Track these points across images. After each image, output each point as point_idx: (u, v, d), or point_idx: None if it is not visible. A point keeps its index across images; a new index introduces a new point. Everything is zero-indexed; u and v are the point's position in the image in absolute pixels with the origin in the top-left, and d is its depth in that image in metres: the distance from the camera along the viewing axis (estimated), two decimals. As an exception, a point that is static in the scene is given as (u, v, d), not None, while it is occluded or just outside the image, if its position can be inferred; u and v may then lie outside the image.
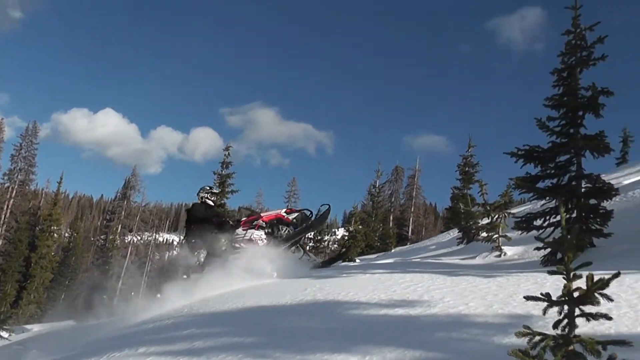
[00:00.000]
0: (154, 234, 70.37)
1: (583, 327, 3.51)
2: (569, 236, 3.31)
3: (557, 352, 3.12)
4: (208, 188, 13.84)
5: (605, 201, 10.21)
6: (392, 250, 31.85)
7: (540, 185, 10.69)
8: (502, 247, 12.56)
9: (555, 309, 3.31)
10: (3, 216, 53.08)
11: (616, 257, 8.77)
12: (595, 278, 3.18)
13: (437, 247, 22.40)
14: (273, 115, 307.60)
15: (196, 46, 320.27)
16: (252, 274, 11.20)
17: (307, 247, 16.91)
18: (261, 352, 5.15)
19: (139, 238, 62.18)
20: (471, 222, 16.85)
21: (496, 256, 12.39)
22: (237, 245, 12.61)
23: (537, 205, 13.41)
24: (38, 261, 49.78)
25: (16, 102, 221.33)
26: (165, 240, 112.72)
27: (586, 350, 3.09)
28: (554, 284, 6.00)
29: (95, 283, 49.13)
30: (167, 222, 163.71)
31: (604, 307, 3.28)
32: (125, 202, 60.91)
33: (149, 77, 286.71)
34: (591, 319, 3.23)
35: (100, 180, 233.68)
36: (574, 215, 10.17)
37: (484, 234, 13.34)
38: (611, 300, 3.26)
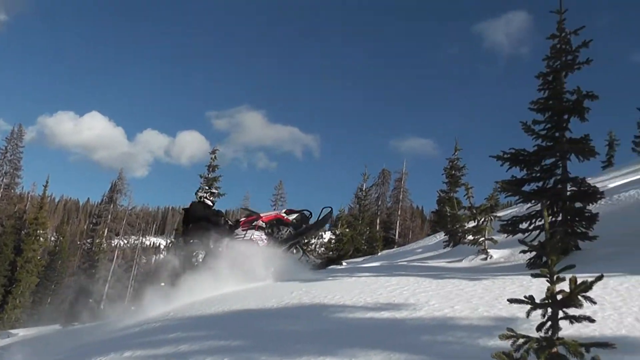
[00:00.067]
0: (141, 238, 69.95)
1: (567, 329, 3.53)
2: (552, 239, 3.33)
3: (540, 354, 3.13)
4: (207, 188, 13.79)
5: (590, 204, 10.25)
6: (379, 254, 31.87)
7: (526, 188, 10.72)
8: (488, 250, 12.58)
9: (540, 311, 3.32)
10: (-12, 220, 52.78)
11: (601, 260, 8.81)
12: (579, 281, 3.19)
13: (424, 250, 22.42)
14: (260, 119, 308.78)
15: (182, 49, 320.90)
16: (249, 276, 11.12)
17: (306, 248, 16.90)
18: (247, 356, 5.14)
19: (126, 242, 61.77)
20: (457, 225, 16.89)
21: (482, 259, 12.40)
22: (237, 245, 12.48)
23: (523, 208, 13.45)
24: (24, 265, 49.56)
25: (1, 104, 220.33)
26: (152, 243, 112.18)
27: (569, 352, 3.10)
28: (540, 287, 6.01)
29: (81, 287, 48.87)
30: (154, 225, 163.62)
31: (588, 309, 3.30)
32: (112, 206, 60.61)
33: (135, 80, 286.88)
34: (575, 321, 3.25)
35: (87, 183, 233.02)
36: (560, 218, 10.21)
37: (470, 237, 13.36)
38: (594, 302, 3.28)
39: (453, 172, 27.15)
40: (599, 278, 3.24)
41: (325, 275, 10.80)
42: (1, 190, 54.61)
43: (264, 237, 12.86)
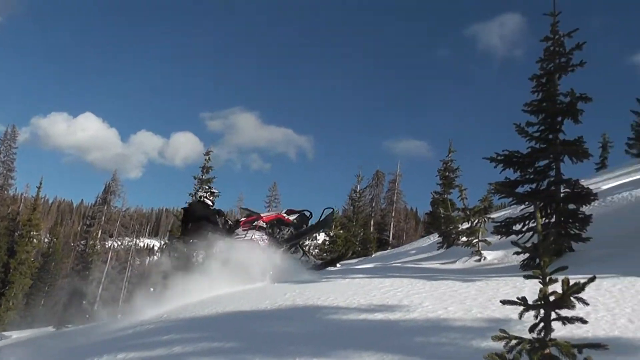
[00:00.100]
0: (135, 239, 69.80)
1: (560, 330, 3.54)
2: (545, 241, 3.33)
3: (533, 355, 3.14)
4: (207, 187, 13.74)
5: (584, 206, 10.28)
6: (373, 255, 31.87)
7: (520, 190, 10.74)
8: (482, 252, 12.60)
9: (532, 312, 3.33)
10: (-19, 222, 52.61)
11: (594, 262, 8.83)
12: (572, 282, 3.20)
13: (418, 251, 22.43)
14: (254, 120, 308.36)
15: (176, 50, 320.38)
16: (248, 277, 11.05)
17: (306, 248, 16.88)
18: (240, 357, 5.14)
19: (120, 243, 61.57)
20: (451, 227, 16.93)
21: (476, 261, 12.42)
22: (237, 245, 12.40)
23: (516, 210, 13.48)
24: (17, 267, 49.34)
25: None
26: (145, 245, 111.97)
27: (562, 353, 3.11)
28: (533, 288, 6.01)
29: (75, 289, 48.77)
30: (148, 227, 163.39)
31: (581, 311, 3.31)
32: (106, 207, 60.39)
33: (129, 81, 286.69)
34: (567, 322, 3.26)
35: (80, 185, 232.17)
36: (553, 220, 10.23)
37: (464, 239, 13.40)
38: (587, 304, 3.28)
39: (447, 173, 27.07)
40: (592, 279, 3.24)
41: (319, 276, 10.80)
42: (-6, 191, 54.45)
43: (264, 237, 12.83)
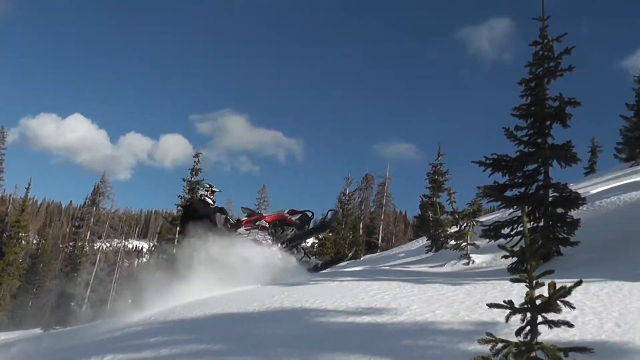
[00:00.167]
0: (123, 241, 69.67)
1: (547, 334, 3.54)
2: (532, 245, 3.34)
3: (519, 358, 3.14)
4: (208, 186, 13.58)
5: (572, 210, 10.30)
6: (362, 258, 31.87)
7: (508, 193, 10.76)
8: (470, 255, 12.63)
9: (519, 316, 3.33)
10: (-31, 222, 52.36)
11: (582, 266, 8.87)
12: (558, 286, 3.21)
13: (406, 255, 22.43)
14: (243, 122, 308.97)
15: (166, 52, 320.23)
16: (248, 277, 10.97)
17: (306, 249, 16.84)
18: (228, 359, 5.13)
19: (108, 245, 61.51)
20: (440, 230, 16.92)
21: (464, 264, 12.45)
22: (240, 245, 12.31)
23: (505, 213, 13.52)
24: (5, 268, 49.06)
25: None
26: (134, 247, 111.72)
27: (548, 356, 3.12)
28: (521, 292, 6.03)
29: (63, 290, 48.71)
30: (137, 228, 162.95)
31: (568, 314, 3.32)
32: (95, 209, 60.28)
33: (118, 83, 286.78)
34: (553, 326, 3.26)
35: (69, 186, 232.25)
36: (541, 223, 10.26)
37: (453, 242, 13.40)
38: (573, 307, 3.29)
39: (436, 177, 27.20)
40: (578, 283, 3.25)
41: (307, 279, 10.79)
42: (-18, 192, 54.25)
43: (268, 237, 12.79)
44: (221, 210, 13.37)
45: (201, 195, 13.34)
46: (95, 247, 58.54)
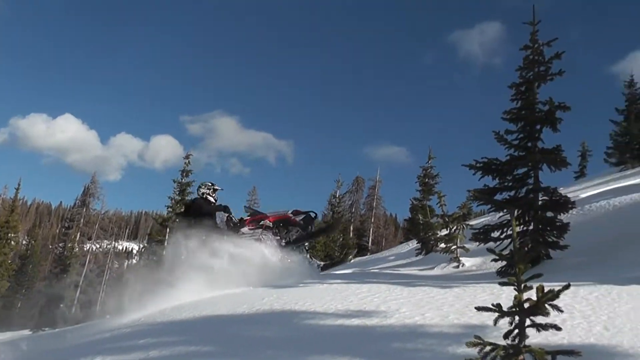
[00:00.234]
0: (113, 242, 69.45)
1: (536, 337, 3.54)
2: (521, 248, 3.35)
3: (507, 361, 3.15)
4: (210, 184, 13.46)
5: (562, 214, 10.34)
6: (352, 261, 31.90)
7: (498, 197, 10.79)
8: (460, 258, 12.66)
9: (508, 319, 3.34)
10: (-42, 223, 52.06)
11: (571, 269, 8.89)
12: (546, 289, 3.22)
13: (396, 257, 22.43)
14: (234, 124, 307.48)
15: (157, 53, 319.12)
16: (248, 278, 10.90)
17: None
18: (217, 362, 5.12)
19: (98, 246, 61.24)
20: (430, 233, 16.98)
21: (454, 267, 12.47)
22: (243, 245, 12.26)
23: (495, 217, 13.55)
24: (-6, 269, 48.88)
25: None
26: (124, 248, 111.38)
27: (535, 359, 3.12)
28: (510, 295, 6.03)
29: (52, 292, 48.53)
30: (127, 230, 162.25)
31: (557, 318, 3.33)
32: (85, 210, 60.02)
33: (109, 83, 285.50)
34: (541, 329, 3.27)
35: (59, 187, 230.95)
36: (531, 227, 10.29)
37: (443, 245, 13.44)
38: (561, 311, 3.30)
39: (426, 180, 27.30)
40: (566, 287, 3.26)
41: (297, 281, 10.78)
42: (-28, 192, 54.01)
43: (272, 237, 12.76)
44: (225, 209, 13.25)
45: (203, 193, 13.25)
46: (85, 249, 58.24)
